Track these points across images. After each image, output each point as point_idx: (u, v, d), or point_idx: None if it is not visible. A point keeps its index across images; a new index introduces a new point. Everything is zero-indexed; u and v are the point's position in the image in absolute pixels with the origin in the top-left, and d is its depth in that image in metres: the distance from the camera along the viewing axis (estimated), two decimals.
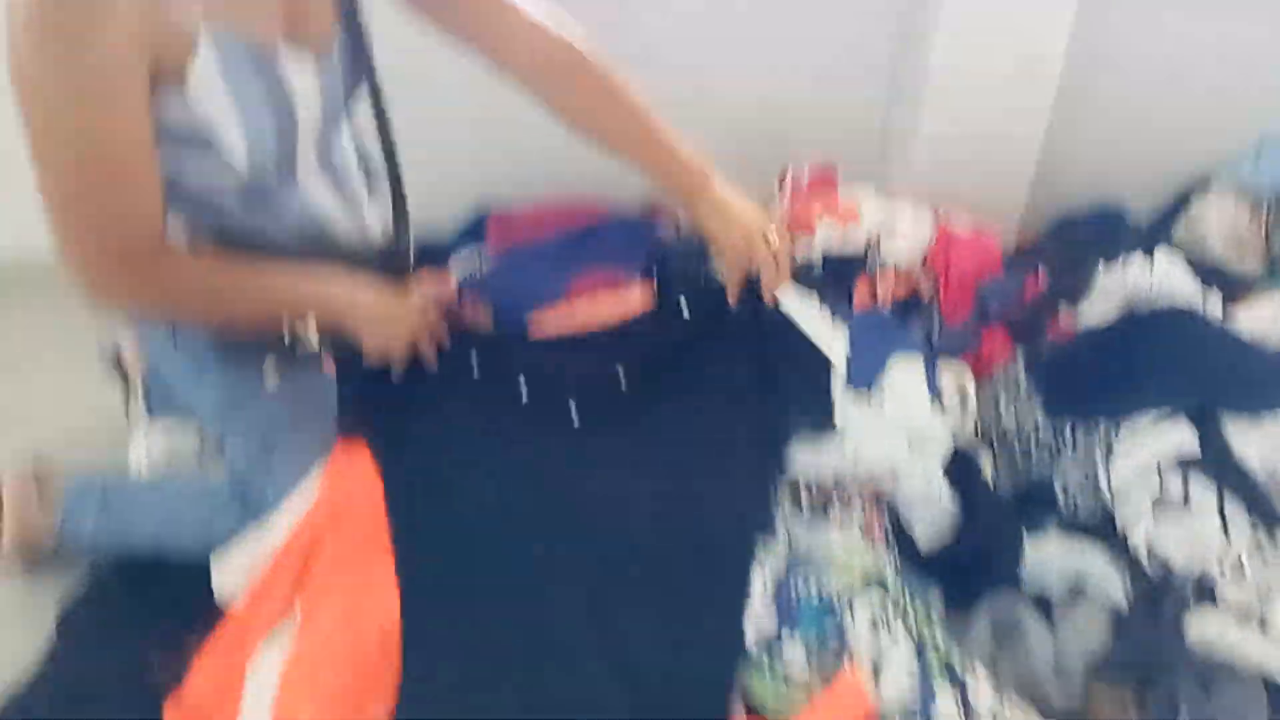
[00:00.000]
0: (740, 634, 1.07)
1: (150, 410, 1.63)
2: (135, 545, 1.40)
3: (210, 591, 1.19)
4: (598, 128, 1.24)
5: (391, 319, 1.20)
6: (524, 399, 1.26)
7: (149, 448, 1.57)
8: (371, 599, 1.08)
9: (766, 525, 1.18)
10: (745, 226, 1.20)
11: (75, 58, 0.90)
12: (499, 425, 1.24)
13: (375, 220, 1.31)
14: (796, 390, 1.27)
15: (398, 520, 1.15)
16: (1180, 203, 2.13)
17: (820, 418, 1.25)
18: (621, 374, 1.26)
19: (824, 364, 1.29)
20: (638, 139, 1.22)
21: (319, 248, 1.23)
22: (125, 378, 1.71)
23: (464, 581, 1.11)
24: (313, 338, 1.20)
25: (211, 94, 1.02)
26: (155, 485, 1.49)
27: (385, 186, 1.32)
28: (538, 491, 1.17)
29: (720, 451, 1.22)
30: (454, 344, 1.27)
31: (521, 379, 1.26)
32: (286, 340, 1.20)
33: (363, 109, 1.27)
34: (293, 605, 1.13)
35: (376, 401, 1.25)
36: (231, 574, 1.20)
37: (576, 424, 1.25)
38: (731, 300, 1.25)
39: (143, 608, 1.29)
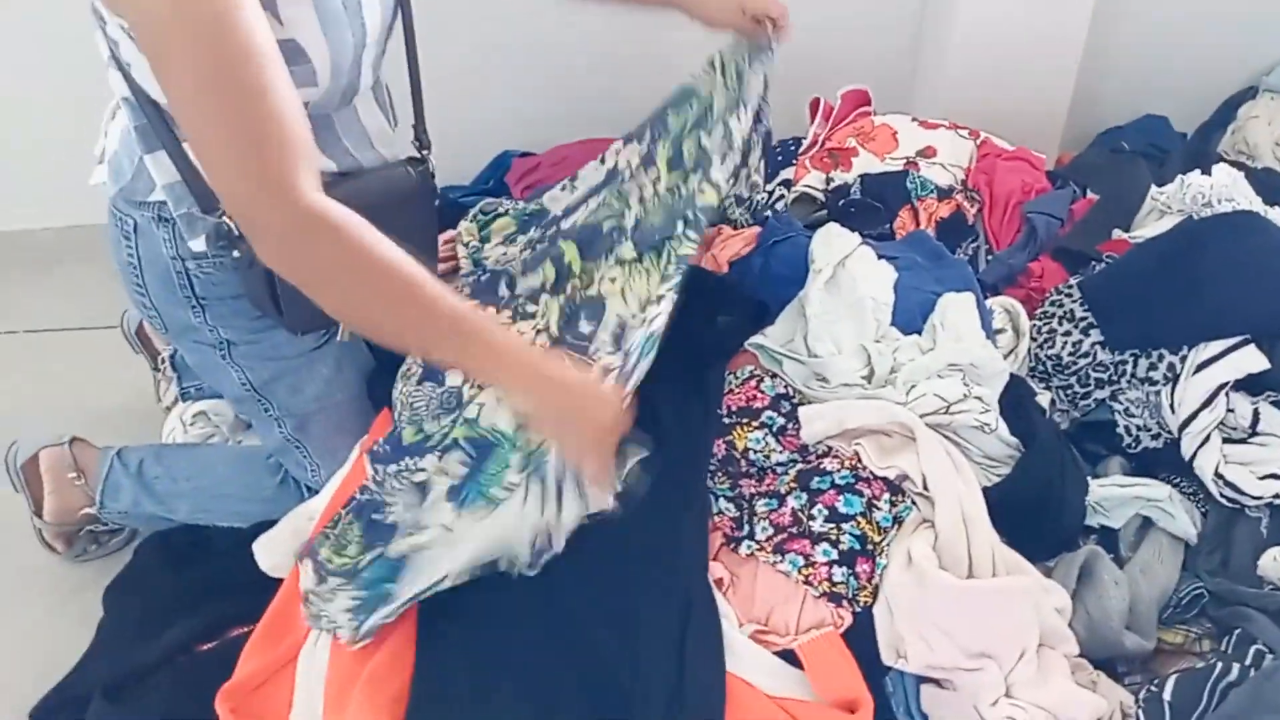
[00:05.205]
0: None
1: (184, 394, 1.60)
2: (175, 514, 1.39)
3: (254, 565, 1.18)
4: None
5: (589, 409, 0.98)
6: None
7: (184, 428, 1.55)
8: None
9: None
10: None
11: None
12: None
13: (401, 150, 1.21)
14: None
15: None
16: (1225, 113, 2.06)
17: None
18: None
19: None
20: None
21: (353, 179, 1.12)
22: (151, 352, 1.69)
23: None
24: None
25: (297, 4, 0.94)
26: (192, 453, 1.46)
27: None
28: None
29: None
30: None
31: None
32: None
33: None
34: None
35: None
36: (276, 551, 1.18)
37: None
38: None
39: (188, 585, 1.27)
